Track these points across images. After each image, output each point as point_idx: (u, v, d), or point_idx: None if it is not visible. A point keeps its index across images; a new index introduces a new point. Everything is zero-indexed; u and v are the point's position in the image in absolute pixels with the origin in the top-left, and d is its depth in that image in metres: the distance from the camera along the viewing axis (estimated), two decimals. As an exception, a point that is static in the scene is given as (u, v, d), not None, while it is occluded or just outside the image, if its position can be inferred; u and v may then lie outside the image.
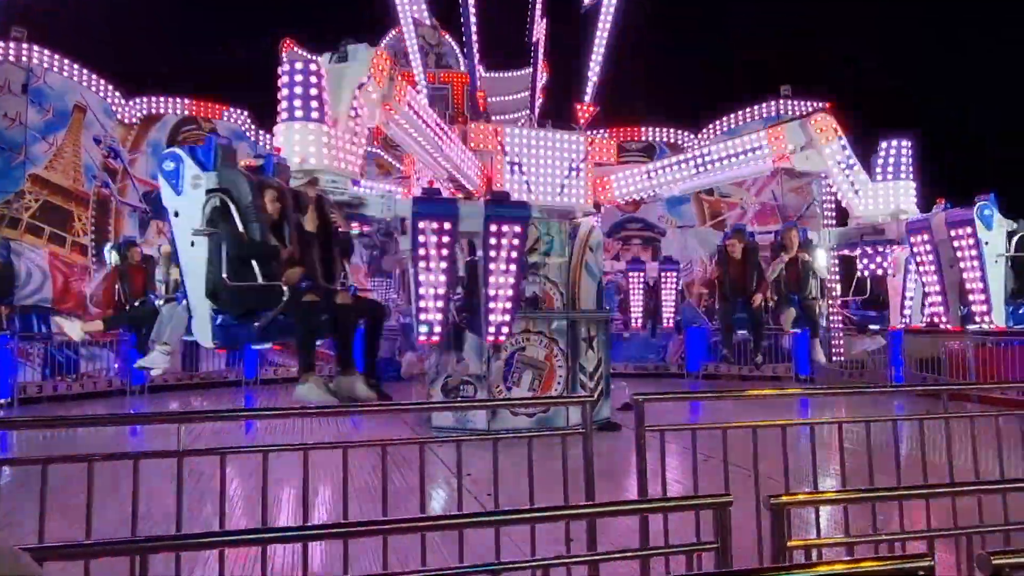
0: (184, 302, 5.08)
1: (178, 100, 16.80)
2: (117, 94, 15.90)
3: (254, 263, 4.80)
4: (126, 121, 16.02)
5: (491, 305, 7.04)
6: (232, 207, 4.74)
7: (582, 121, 10.59)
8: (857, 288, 10.39)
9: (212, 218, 4.76)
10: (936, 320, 9.19)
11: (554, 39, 11.30)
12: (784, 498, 2.31)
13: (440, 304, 6.70)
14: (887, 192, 9.90)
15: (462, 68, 19.41)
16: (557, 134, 10.05)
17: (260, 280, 4.79)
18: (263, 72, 19.47)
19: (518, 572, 2.73)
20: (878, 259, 10.09)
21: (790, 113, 17.81)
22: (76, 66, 15.12)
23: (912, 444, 3.94)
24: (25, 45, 14.28)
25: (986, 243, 8.48)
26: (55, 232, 14.62)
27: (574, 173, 9.94)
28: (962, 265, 8.61)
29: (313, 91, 6.17)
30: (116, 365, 14.04)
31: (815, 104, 17.92)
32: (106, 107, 15.65)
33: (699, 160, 10.14)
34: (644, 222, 18.98)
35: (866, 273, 10.29)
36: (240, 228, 4.77)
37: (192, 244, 4.78)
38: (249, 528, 2.41)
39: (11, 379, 12.27)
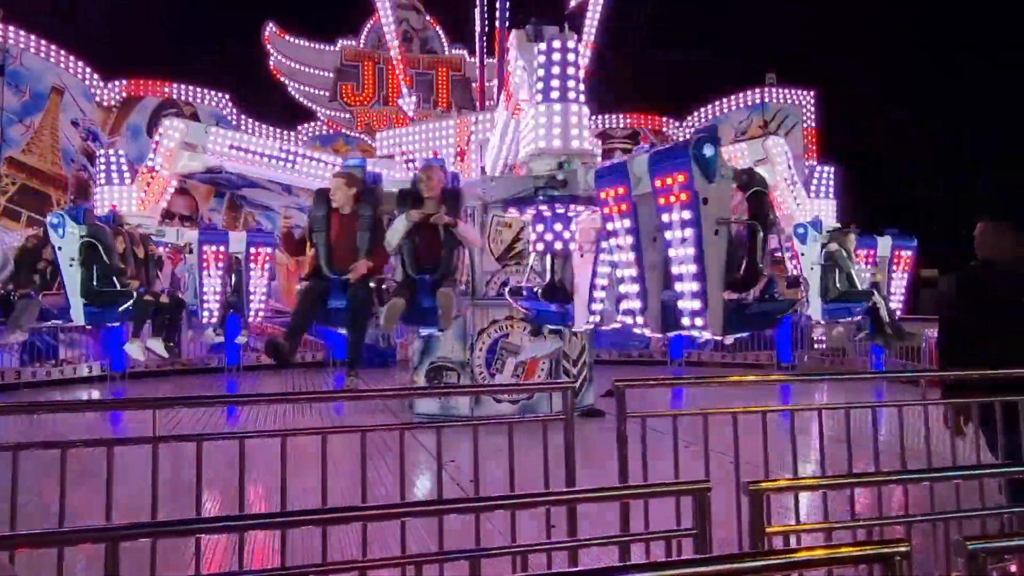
0: (38, 296, 8.44)
1: (158, 83, 16.57)
2: (96, 76, 15.65)
3: (113, 277, 8.14)
4: (105, 104, 15.79)
5: (251, 298, 11.10)
6: (99, 246, 8.04)
7: None
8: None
9: (85, 252, 7.99)
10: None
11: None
12: (763, 484, 2.31)
13: (218, 298, 10.66)
14: (815, 207, 11.40)
15: (447, 53, 19.28)
16: (431, 123, 10.42)
17: (117, 287, 8.17)
18: (246, 56, 19.19)
19: (498, 558, 2.72)
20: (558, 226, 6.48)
21: (775, 101, 17.86)
22: (54, 47, 14.86)
23: (891, 430, 3.97)
24: (0, 25, 14.01)
25: (802, 254, 9.82)
26: (33, 216, 14.41)
27: (458, 159, 10.38)
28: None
29: (114, 167, 10.33)
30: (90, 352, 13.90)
31: (800, 92, 18.02)
32: (84, 89, 15.40)
33: None
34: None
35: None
36: (104, 258, 8.06)
37: (71, 266, 7.98)
38: (225, 515, 2.39)
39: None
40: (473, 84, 19.28)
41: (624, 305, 5.64)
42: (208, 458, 3.01)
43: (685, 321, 5.02)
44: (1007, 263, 4.31)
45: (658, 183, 5.10)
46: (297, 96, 18.43)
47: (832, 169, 12.15)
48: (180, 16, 21.63)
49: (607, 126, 19.06)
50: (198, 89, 16.95)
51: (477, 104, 11.88)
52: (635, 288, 5.40)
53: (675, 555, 2.68)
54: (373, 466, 5.94)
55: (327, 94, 18.55)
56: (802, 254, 9.63)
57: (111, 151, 10.57)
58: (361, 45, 18.94)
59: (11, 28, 14.15)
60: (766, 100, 17.84)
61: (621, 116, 19.30)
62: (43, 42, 14.66)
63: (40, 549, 2.25)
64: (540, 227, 6.37)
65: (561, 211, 6.26)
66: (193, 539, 2.87)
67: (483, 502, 2.53)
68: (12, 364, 13.00)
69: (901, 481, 2.95)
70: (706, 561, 1.65)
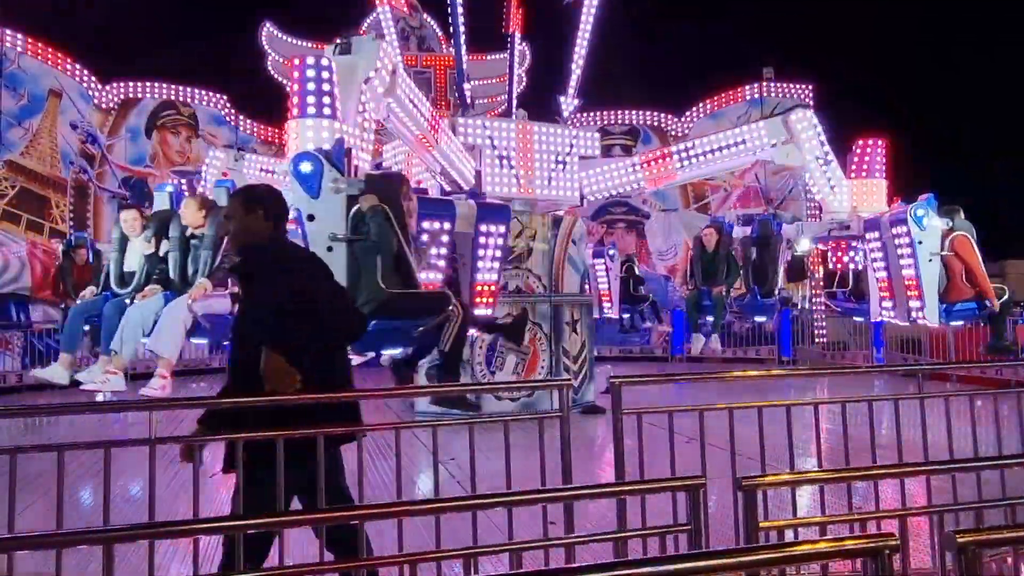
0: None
1: (156, 84, 16.57)
2: (93, 79, 15.66)
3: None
4: (103, 106, 15.80)
5: (476, 294, 7.64)
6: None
7: (565, 114, 10.48)
8: (841, 280, 10.12)
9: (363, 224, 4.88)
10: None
11: (537, 26, 11.21)
12: (757, 479, 2.32)
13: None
14: (859, 189, 9.84)
15: (444, 51, 19.24)
16: (545, 127, 9.97)
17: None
18: (241, 57, 19.16)
19: (495, 556, 2.73)
20: (851, 252, 9.87)
21: (773, 95, 17.84)
22: (51, 50, 14.86)
23: (888, 424, 3.98)
24: (-2, 29, 14.04)
25: (919, 242, 8.33)
26: (32, 219, 14.44)
27: (560, 166, 9.85)
28: (902, 263, 8.47)
29: (326, 87, 6.04)
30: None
31: (798, 86, 18.00)
32: (82, 92, 15.41)
33: (684, 155, 9.95)
34: (628, 205, 18.97)
35: (851, 265, 9.93)
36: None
37: (330, 249, 4.79)
38: (223, 516, 2.40)
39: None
40: (472, 82, 19.27)
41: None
42: (205, 459, 3.02)
43: (914, 315, 8.56)
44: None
45: (893, 231, 8.69)
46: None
47: (882, 143, 10.16)
48: (177, 17, 21.63)
49: (606, 122, 19.04)
50: (196, 90, 16.96)
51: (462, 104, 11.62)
52: (886, 295, 8.95)
53: (671, 551, 2.69)
54: (372, 464, 5.96)
55: (325, 93, 18.52)
56: (919, 242, 8.41)
57: (324, 57, 6.37)
58: (359, 44, 18.93)
59: (8, 31, 14.15)
60: (764, 95, 17.83)
61: (620, 112, 19.28)
62: (40, 45, 14.66)
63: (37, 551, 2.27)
64: (852, 252, 10.19)
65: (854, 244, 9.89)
66: (191, 540, 2.89)
67: (479, 500, 2.54)
68: (14, 367, 13.02)
69: (896, 475, 2.95)
70: (698, 556, 1.66)
